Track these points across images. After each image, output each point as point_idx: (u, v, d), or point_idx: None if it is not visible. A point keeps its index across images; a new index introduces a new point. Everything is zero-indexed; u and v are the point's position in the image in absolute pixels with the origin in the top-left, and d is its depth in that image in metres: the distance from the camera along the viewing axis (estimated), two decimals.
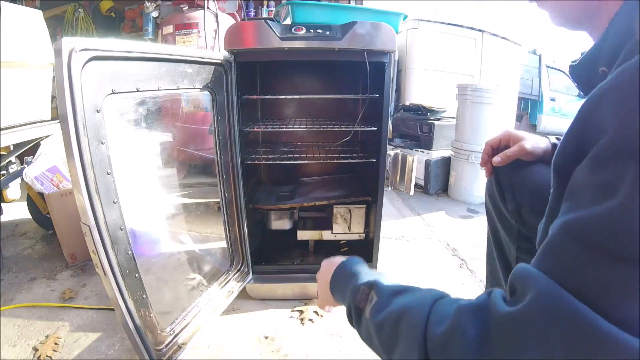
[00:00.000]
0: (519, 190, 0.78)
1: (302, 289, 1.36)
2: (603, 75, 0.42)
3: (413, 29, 3.36)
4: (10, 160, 1.77)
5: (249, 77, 1.49)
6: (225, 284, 1.25)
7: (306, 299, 1.36)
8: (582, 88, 0.51)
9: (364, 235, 1.44)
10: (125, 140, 1.24)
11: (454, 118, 2.67)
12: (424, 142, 2.81)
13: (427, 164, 2.59)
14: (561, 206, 0.37)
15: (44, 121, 1.63)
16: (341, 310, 0.56)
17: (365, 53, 1.13)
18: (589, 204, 0.32)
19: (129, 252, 0.82)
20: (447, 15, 3.47)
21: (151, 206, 1.51)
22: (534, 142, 0.78)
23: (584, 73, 0.49)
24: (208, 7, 2.69)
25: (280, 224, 1.49)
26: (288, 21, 1.27)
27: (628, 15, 0.39)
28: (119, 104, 1.01)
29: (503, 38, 3.64)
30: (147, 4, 2.85)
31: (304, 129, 1.42)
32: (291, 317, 1.28)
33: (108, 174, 0.77)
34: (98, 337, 1.17)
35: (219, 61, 1.12)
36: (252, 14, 3.78)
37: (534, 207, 0.74)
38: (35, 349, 1.11)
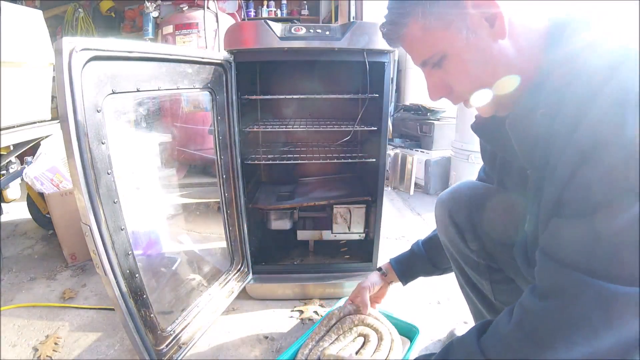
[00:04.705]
0: (481, 228, 0.78)
1: (302, 289, 1.36)
2: (543, 117, 0.48)
3: None
4: (10, 160, 1.77)
5: (248, 77, 1.49)
6: (226, 284, 1.25)
7: (306, 299, 1.36)
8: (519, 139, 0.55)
9: (363, 235, 1.44)
10: (126, 140, 1.25)
11: (454, 118, 2.67)
12: (424, 142, 2.80)
13: (427, 164, 2.58)
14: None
15: (44, 121, 1.63)
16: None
17: (364, 53, 1.13)
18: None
19: (129, 252, 0.82)
20: None
21: (152, 206, 1.51)
22: (371, 286, 1.01)
23: (521, 123, 0.53)
24: (208, 7, 2.69)
25: (280, 224, 1.49)
26: None
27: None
28: (119, 104, 1.02)
29: None
30: (147, 4, 2.85)
31: (304, 129, 1.42)
32: (291, 317, 1.28)
33: (108, 174, 0.77)
34: (98, 337, 1.17)
35: (219, 61, 1.12)
36: (252, 14, 3.79)
37: (499, 240, 0.75)
38: (35, 349, 1.11)
